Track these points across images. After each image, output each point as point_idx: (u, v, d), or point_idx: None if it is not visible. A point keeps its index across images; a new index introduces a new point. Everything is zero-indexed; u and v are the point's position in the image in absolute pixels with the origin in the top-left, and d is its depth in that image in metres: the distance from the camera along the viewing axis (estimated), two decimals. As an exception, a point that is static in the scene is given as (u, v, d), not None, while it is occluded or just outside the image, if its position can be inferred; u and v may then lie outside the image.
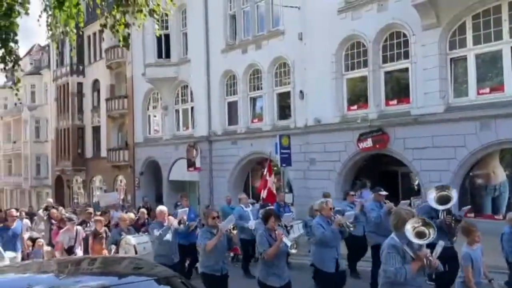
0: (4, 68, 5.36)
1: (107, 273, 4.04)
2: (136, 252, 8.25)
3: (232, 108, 18.18)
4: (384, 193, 8.12)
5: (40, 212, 14.07)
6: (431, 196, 6.33)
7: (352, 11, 13.42)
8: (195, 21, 19.17)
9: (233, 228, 6.46)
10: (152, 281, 3.79)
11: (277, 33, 15.95)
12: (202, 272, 6.16)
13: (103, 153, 26.16)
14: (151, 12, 5.53)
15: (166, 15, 18.83)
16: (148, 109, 22.96)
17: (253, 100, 17.46)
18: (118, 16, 5.32)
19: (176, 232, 7.81)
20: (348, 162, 13.73)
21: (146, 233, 9.20)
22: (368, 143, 12.97)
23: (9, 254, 8.07)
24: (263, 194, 12.94)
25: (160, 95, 21.63)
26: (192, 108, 20.04)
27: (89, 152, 28.50)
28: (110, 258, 5.43)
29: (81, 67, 28.50)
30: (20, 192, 38.00)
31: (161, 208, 8.21)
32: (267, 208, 7.32)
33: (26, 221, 13.17)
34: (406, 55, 12.42)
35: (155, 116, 22.77)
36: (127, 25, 5.41)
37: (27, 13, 5.20)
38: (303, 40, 14.80)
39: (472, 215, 10.58)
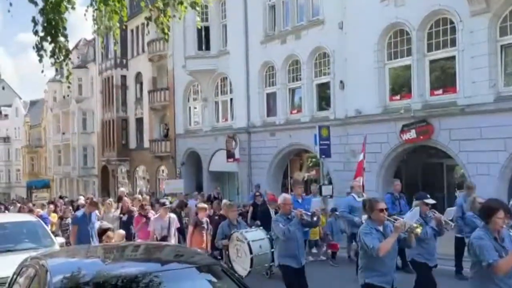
0: (55, 62, 5.55)
1: (149, 259, 4.16)
2: (251, 251, 6.85)
3: (270, 99, 18.14)
4: None
5: (110, 200, 12.60)
6: None
7: (395, -2, 12.99)
8: (235, 12, 19.20)
9: (417, 227, 4.71)
10: (193, 269, 3.86)
11: (317, 22, 15.72)
12: (367, 283, 4.73)
13: (146, 144, 26.90)
14: (193, 4, 5.58)
15: (206, 7, 19.00)
16: (188, 101, 23.34)
17: (292, 91, 17.34)
18: (161, 7, 5.42)
19: (303, 227, 6.35)
20: (390, 154, 13.39)
21: (260, 228, 7.74)
22: (412, 134, 12.59)
23: (59, 240, 8.46)
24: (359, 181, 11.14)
25: (200, 87, 21.91)
26: (231, 99, 20.18)
27: (132, 143, 29.38)
28: (153, 245, 5.59)
29: (124, 61, 29.33)
30: (69, 181, 39.82)
31: (286, 197, 6.39)
32: (492, 198, 4.49)
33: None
34: (453, 43, 11.90)
35: (195, 108, 23.12)
36: (169, 17, 5.50)
37: (73, 8, 5.37)
38: (343, 29, 14.50)
39: None
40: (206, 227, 8.13)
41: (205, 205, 8.64)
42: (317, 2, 15.96)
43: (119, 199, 12.57)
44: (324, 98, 16.04)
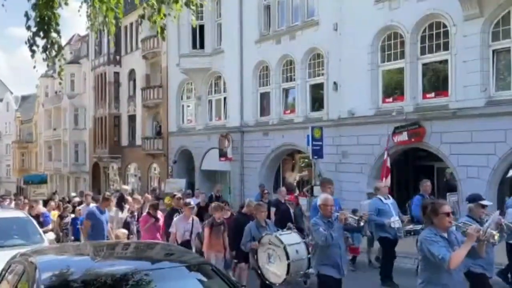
0: (47, 57, 5.50)
1: (139, 258, 4.15)
2: (288, 257, 6.15)
3: (264, 99, 18.15)
4: None
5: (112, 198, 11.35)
6: None
7: (390, 0, 13.06)
8: (230, 11, 19.18)
9: (495, 234, 4.11)
10: (183, 268, 3.86)
11: (312, 23, 15.75)
12: None
13: (138, 141, 26.78)
14: (188, 3, 5.56)
15: (201, 5, 18.94)
16: (182, 99, 23.27)
17: (286, 91, 17.36)
18: (155, 6, 5.38)
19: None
20: (382, 156, 13.44)
21: (294, 230, 7.05)
22: (404, 136, 12.67)
23: (49, 236, 8.39)
24: (386, 182, 11.08)
25: (193, 86, 21.86)
26: (225, 98, 20.16)
27: (124, 140, 29.23)
28: (144, 243, 5.57)
29: (118, 57, 29.17)
30: (60, 177, 39.51)
31: (328, 197, 5.66)
32: None
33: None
34: (446, 47, 12.00)
35: (188, 106, 23.06)
36: (164, 16, 5.47)
37: (66, 4, 5.33)
38: (338, 31, 14.54)
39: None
40: (223, 228, 7.54)
41: (221, 204, 8.15)
42: (312, 3, 15.98)
43: (121, 199, 11.61)
44: (317, 99, 16.08)
